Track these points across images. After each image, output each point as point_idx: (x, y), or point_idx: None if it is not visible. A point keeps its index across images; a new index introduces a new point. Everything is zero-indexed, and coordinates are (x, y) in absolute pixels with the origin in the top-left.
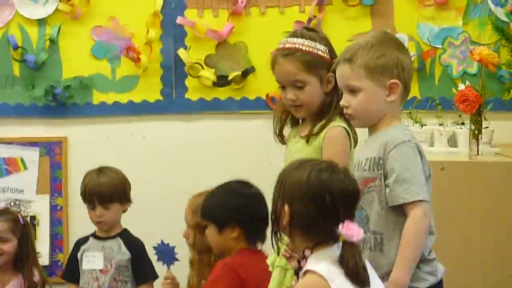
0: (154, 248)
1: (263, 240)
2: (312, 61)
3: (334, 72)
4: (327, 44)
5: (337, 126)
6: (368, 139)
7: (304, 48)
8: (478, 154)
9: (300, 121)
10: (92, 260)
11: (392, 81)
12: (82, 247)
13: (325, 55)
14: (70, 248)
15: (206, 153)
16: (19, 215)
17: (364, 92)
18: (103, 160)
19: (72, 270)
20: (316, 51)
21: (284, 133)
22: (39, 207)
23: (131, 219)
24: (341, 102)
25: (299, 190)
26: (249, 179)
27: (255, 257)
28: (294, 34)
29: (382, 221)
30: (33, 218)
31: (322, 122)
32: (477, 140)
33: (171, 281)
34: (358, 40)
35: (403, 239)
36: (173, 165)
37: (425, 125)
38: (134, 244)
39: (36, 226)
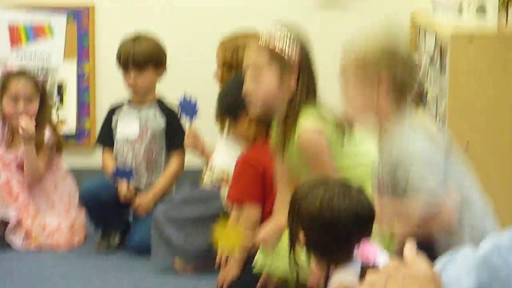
0: (179, 103)
1: None
2: (278, 55)
3: None
4: (302, 48)
5: (307, 124)
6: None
7: (275, 41)
8: (507, 25)
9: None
10: (128, 127)
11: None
12: (117, 113)
13: (293, 55)
14: (98, 115)
15: (237, 18)
16: (38, 74)
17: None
18: (131, 27)
19: (107, 136)
20: (285, 47)
21: None
22: (66, 74)
23: (165, 86)
24: None
25: (312, 220)
26: None
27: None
28: None
29: None
30: (59, 85)
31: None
32: (507, 10)
33: (193, 136)
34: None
35: None
36: (203, 31)
37: None
38: (169, 112)
39: (63, 93)
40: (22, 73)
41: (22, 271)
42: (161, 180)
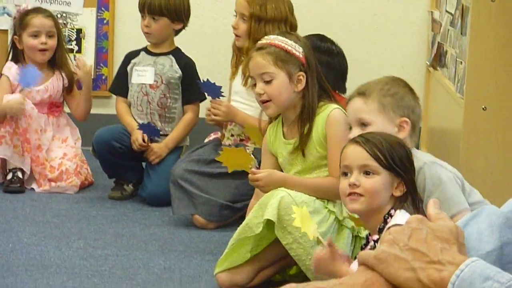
0: (199, 83)
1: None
2: (283, 55)
3: (306, 73)
4: (305, 47)
5: (334, 109)
6: None
7: (277, 42)
8: None
9: (282, 122)
10: (143, 74)
11: (402, 119)
12: (133, 61)
13: (298, 54)
14: (115, 62)
15: None
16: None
17: (373, 127)
18: None
19: (121, 83)
20: (288, 47)
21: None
22: (85, 21)
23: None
24: (351, 134)
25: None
26: None
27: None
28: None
29: None
30: (79, 31)
31: (307, 126)
32: None
33: (227, 108)
34: (373, 80)
35: None
36: None
37: None
38: (186, 63)
39: (82, 39)
40: (38, 10)
41: (35, 214)
42: (175, 131)
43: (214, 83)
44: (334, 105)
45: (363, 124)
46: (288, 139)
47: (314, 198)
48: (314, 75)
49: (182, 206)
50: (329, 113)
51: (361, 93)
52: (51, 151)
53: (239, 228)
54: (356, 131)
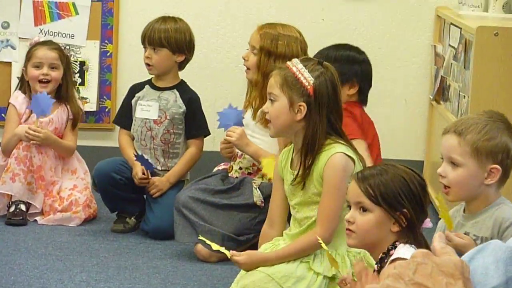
0: (219, 113)
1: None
2: (291, 81)
3: (308, 104)
4: (322, 79)
5: (338, 152)
6: (468, 216)
7: (291, 66)
8: None
9: (293, 152)
10: (147, 109)
11: (493, 166)
12: (137, 94)
13: (306, 84)
14: (119, 95)
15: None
16: (61, 46)
17: (464, 169)
18: (156, 9)
19: (125, 116)
20: (298, 75)
21: None
22: (89, 53)
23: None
24: (438, 170)
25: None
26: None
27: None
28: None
29: None
30: (82, 63)
31: (309, 159)
32: None
33: (241, 135)
34: (473, 116)
35: None
36: (234, 19)
37: None
38: (190, 97)
39: (85, 72)
40: (46, 42)
41: (38, 247)
42: (178, 165)
43: (236, 107)
44: (340, 148)
45: (453, 164)
46: (293, 169)
47: (297, 264)
48: (322, 109)
49: (185, 234)
50: (330, 155)
51: (458, 131)
52: (61, 185)
53: None
54: (446, 168)
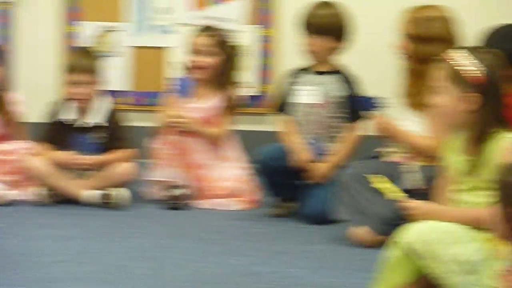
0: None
1: None
2: (457, 72)
3: None
4: (492, 68)
5: (509, 138)
6: None
7: (457, 56)
8: None
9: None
10: (310, 94)
11: None
12: (298, 80)
13: (476, 74)
14: (278, 79)
15: None
16: (225, 34)
17: None
18: None
19: (285, 101)
20: (466, 65)
21: None
22: (248, 38)
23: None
24: None
25: None
26: None
27: None
28: None
29: None
30: (242, 48)
31: (480, 147)
32: None
33: (385, 123)
34: None
35: None
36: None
37: None
38: (350, 82)
39: (245, 57)
40: (205, 29)
41: (196, 231)
42: (341, 149)
43: (370, 97)
44: (509, 134)
45: None
46: (461, 155)
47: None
48: (493, 98)
49: (347, 212)
50: (501, 141)
51: None
52: (218, 170)
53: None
54: None
